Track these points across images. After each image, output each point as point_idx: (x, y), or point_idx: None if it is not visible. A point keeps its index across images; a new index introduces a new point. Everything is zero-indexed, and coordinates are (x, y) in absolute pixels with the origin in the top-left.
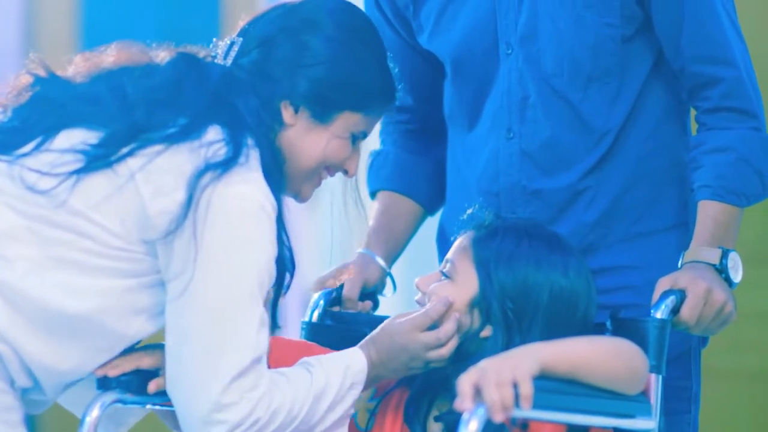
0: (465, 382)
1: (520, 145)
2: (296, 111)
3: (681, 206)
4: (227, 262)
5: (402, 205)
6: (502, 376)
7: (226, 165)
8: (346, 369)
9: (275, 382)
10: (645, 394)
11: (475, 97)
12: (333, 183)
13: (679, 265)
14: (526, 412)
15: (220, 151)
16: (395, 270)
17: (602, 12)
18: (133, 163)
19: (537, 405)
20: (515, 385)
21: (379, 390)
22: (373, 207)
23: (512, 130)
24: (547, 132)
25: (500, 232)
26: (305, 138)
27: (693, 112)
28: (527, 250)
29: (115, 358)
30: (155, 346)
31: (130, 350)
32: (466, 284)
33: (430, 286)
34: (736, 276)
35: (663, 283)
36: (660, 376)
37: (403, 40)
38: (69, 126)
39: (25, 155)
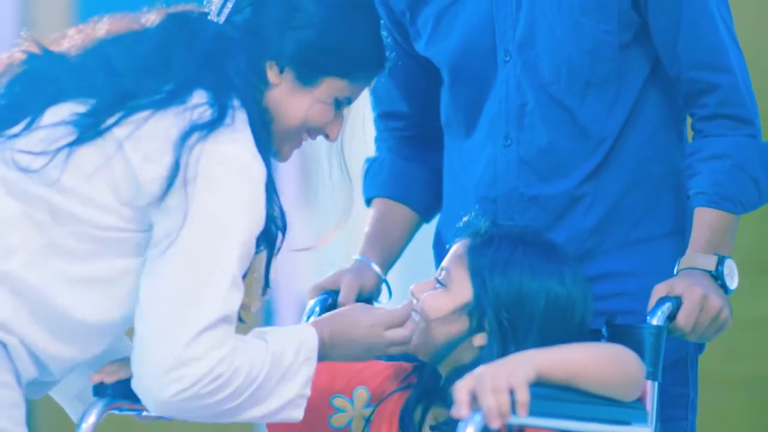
0: (461, 389)
1: (517, 152)
2: (281, 71)
3: (678, 213)
4: (213, 219)
5: (397, 212)
6: (498, 383)
7: (211, 126)
8: (299, 344)
9: (237, 344)
10: (641, 400)
11: (473, 103)
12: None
13: (675, 271)
14: (522, 418)
15: (206, 113)
16: (391, 277)
17: (600, 18)
18: (120, 132)
19: (533, 411)
20: (512, 392)
21: (374, 397)
22: (368, 214)
23: (510, 137)
24: (545, 139)
25: (495, 240)
26: (288, 99)
27: (689, 120)
28: (522, 258)
29: (112, 364)
30: None
31: (127, 357)
32: (461, 292)
33: (423, 294)
34: (732, 283)
35: (659, 290)
36: (656, 383)
37: (400, 46)
38: (59, 101)
39: (15, 136)
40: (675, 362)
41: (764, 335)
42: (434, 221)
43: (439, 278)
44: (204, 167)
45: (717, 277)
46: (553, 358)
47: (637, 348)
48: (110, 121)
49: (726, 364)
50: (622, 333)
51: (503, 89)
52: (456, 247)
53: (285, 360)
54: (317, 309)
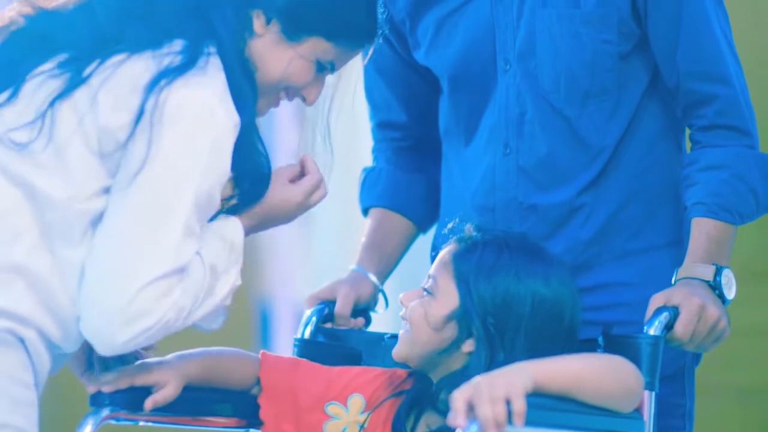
0: (458, 398)
1: (517, 161)
2: (267, 22)
3: (676, 224)
4: (171, 165)
5: (394, 222)
6: (495, 392)
7: (180, 70)
8: (230, 247)
9: (185, 285)
10: (638, 410)
11: (472, 112)
12: (328, 203)
13: (673, 281)
14: (519, 428)
15: (177, 59)
16: (387, 286)
17: (600, 29)
18: (96, 80)
19: (530, 421)
20: (508, 402)
21: (369, 404)
22: (365, 224)
23: (509, 145)
24: (544, 148)
25: (480, 246)
26: (271, 52)
27: (687, 131)
28: (507, 263)
29: (109, 373)
30: (150, 363)
31: (122, 362)
32: (447, 300)
33: (411, 303)
34: (730, 293)
35: (656, 300)
36: (653, 393)
37: (399, 56)
38: (46, 59)
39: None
40: (673, 373)
41: (760, 345)
42: (431, 231)
43: (426, 286)
44: (168, 111)
45: (715, 287)
46: (551, 368)
47: (635, 358)
48: (90, 68)
49: (722, 373)
50: (619, 343)
51: (503, 98)
52: (442, 254)
53: (219, 268)
54: (314, 319)
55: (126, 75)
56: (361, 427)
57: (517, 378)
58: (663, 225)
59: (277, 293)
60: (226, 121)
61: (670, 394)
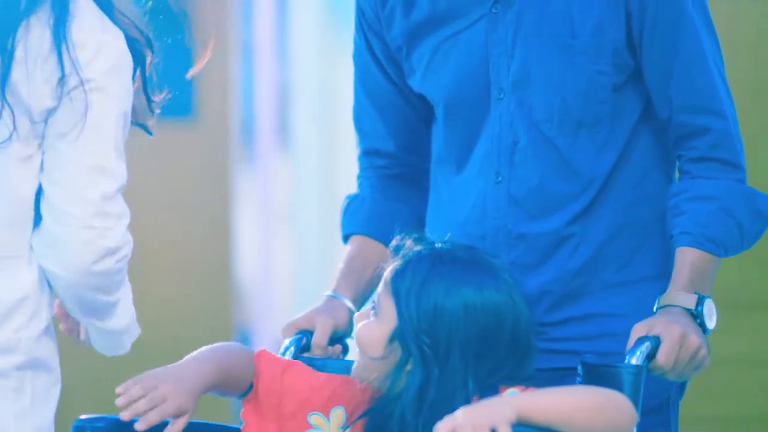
0: (441, 430)
1: (508, 190)
2: None
3: (665, 256)
4: (107, 91)
5: (374, 250)
6: (478, 421)
7: (63, 21)
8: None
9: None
10: None
11: (466, 140)
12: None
13: (655, 308)
14: None
15: (53, 13)
16: None
17: (595, 59)
18: (19, 53)
19: None
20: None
21: (349, 418)
22: (344, 250)
23: (501, 174)
24: (536, 177)
25: (413, 261)
26: None
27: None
28: (438, 276)
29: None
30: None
31: None
32: (389, 320)
33: (358, 325)
34: (710, 323)
35: (638, 330)
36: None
37: (392, 84)
38: None
39: None
40: (658, 404)
41: (742, 375)
42: None
43: (373, 307)
44: (82, 57)
45: (696, 316)
46: (537, 402)
47: (617, 388)
48: (9, 43)
49: (704, 404)
50: (601, 373)
51: (496, 126)
52: (385, 272)
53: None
54: (292, 349)
55: (33, 40)
56: None
57: (499, 409)
58: (652, 257)
59: (258, 321)
60: (123, 45)
61: (655, 425)
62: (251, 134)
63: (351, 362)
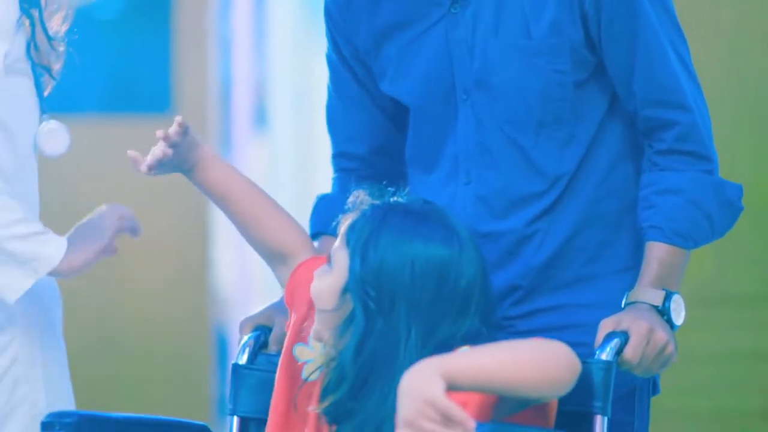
0: None
1: (475, 190)
2: None
3: (634, 249)
4: None
5: None
6: (413, 414)
7: None
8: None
9: None
10: None
11: (435, 141)
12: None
13: (623, 305)
14: None
15: None
16: None
17: (552, 59)
18: None
19: None
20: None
21: None
22: None
23: (470, 175)
24: (502, 178)
25: (367, 214)
26: None
27: None
28: (387, 229)
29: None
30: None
31: None
32: (341, 271)
33: (312, 283)
34: (678, 319)
35: (606, 325)
36: (606, 418)
37: (361, 87)
38: None
39: None
40: (625, 393)
41: (717, 370)
42: None
43: (329, 260)
44: None
45: (663, 312)
46: (459, 362)
47: (586, 383)
48: None
49: (680, 399)
50: None
51: (463, 127)
52: (341, 226)
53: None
54: (251, 346)
55: None
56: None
57: (424, 386)
58: (621, 251)
59: (234, 319)
60: None
61: (618, 411)
62: (228, 129)
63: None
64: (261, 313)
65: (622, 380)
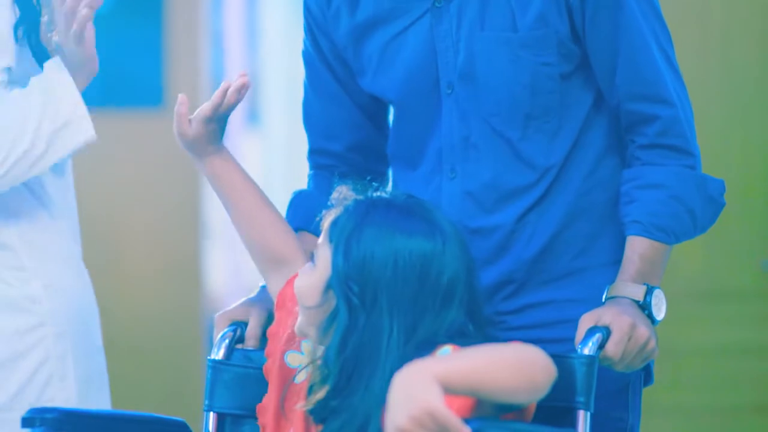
0: None
1: (462, 185)
2: None
3: (622, 243)
4: None
5: (312, 246)
6: (414, 412)
7: None
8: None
9: None
10: (575, 428)
11: (419, 136)
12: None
13: (603, 299)
14: None
15: None
16: None
17: (538, 51)
18: None
19: None
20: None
21: None
22: None
23: (455, 169)
24: (489, 171)
25: (350, 209)
26: None
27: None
28: (370, 224)
29: None
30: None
31: None
32: (324, 267)
33: (296, 280)
34: (659, 314)
35: (586, 320)
36: (588, 413)
37: (339, 84)
38: None
39: None
40: (618, 388)
41: (709, 365)
42: None
43: (313, 258)
44: None
45: (644, 307)
46: (457, 368)
47: (569, 378)
48: None
49: (670, 394)
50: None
51: (447, 122)
52: (324, 222)
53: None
54: (227, 340)
55: None
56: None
57: (427, 396)
58: (610, 242)
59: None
60: None
61: (612, 407)
62: None
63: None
64: (236, 308)
65: (616, 375)
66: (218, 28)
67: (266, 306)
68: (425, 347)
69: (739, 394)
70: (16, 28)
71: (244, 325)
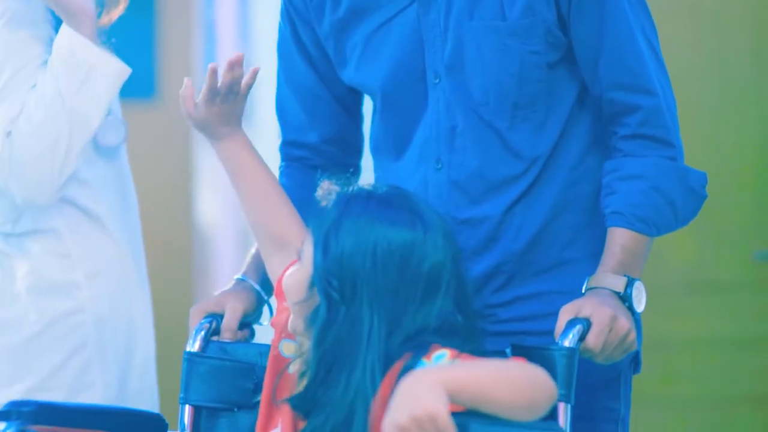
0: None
1: (449, 176)
2: None
3: None
4: None
5: None
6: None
7: None
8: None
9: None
10: (556, 420)
11: (404, 126)
12: None
13: (583, 289)
14: None
15: None
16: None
17: (526, 40)
18: None
19: None
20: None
21: None
22: None
23: (441, 160)
24: (476, 161)
25: (332, 204)
26: None
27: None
28: (350, 216)
29: None
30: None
31: None
32: (308, 263)
33: (284, 278)
34: (639, 306)
35: (566, 311)
36: (569, 405)
37: (316, 74)
38: None
39: None
40: (608, 380)
41: (696, 357)
42: None
43: (300, 254)
44: None
45: (624, 298)
46: (463, 378)
47: (549, 370)
48: None
49: (661, 385)
50: (533, 355)
51: (434, 112)
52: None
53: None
54: (203, 333)
55: None
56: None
57: (433, 401)
58: (596, 234)
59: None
60: None
61: (604, 398)
62: None
63: (263, 346)
64: (211, 300)
65: (608, 366)
66: (211, 21)
67: (242, 298)
68: (415, 344)
69: (730, 385)
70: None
71: (219, 317)
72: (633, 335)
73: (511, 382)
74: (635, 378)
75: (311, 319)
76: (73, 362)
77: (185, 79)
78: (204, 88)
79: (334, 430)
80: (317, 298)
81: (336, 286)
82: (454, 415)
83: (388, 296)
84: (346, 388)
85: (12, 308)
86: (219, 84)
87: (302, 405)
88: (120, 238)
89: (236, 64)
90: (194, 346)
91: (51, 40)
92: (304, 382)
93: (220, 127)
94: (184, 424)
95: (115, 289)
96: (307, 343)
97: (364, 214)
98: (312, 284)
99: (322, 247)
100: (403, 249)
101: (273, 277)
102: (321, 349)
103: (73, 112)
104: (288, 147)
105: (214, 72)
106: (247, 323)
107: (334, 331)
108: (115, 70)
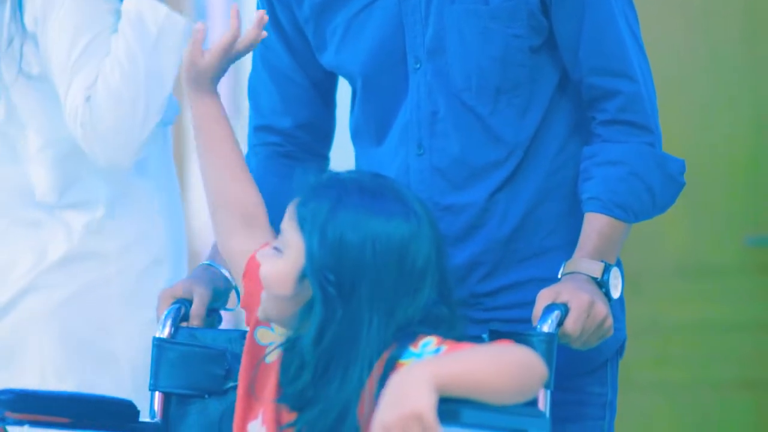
0: None
1: (430, 161)
2: None
3: None
4: None
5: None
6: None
7: None
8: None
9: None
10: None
11: (385, 112)
12: None
13: (559, 275)
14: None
15: None
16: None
17: (509, 23)
18: None
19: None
20: None
21: None
22: None
23: (422, 145)
24: (458, 146)
25: (319, 191)
26: None
27: None
28: (344, 208)
29: None
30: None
31: None
32: (296, 254)
33: (261, 267)
34: (615, 292)
35: (544, 296)
36: (548, 391)
37: (295, 58)
38: None
39: None
40: (595, 366)
41: (688, 341)
42: None
43: (276, 244)
44: None
45: (601, 284)
46: (455, 371)
47: None
48: None
49: (652, 370)
50: (512, 341)
51: (414, 97)
52: (290, 205)
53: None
54: (171, 319)
55: None
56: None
57: (421, 398)
58: (580, 221)
59: None
60: None
61: (591, 383)
62: None
63: (233, 332)
64: (179, 285)
65: (595, 352)
66: (201, 2)
67: (210, 284)
68: (403, 334)
69: (723, 369)
70: None
71: (188, 302)
72: (610, 321)
73: (502, 368)
74: (628, 362)
75: (302, 314)
76: (98, 328)
77: (198, 23)
78: (226, 36)
79: (328, 425)
80: (307, 293)
81: (333, 281)
82: (446, 401)
83: (387, 292)
84: (342, 384)
85: (45, 278)
86: (242, 40)
87: (296, 401)
88: (161, 219)
89: (262, 22)
90: (163, 332)
91: (119, 12)
92: (299, 379)
93: (210, 81)
94: (154, 411)
95: (147, 263)
96: (290, 334)
97: (360, 205)
98: (302, 277)
99: (318, 238)
100: (402, 243)
101: (235, 256)
102: (320, 348)
103: (148, 72)
104: (259, 132)
105: (238, 18)
106: (215, 309)
107: (333, 330)
108: (181, 27)
